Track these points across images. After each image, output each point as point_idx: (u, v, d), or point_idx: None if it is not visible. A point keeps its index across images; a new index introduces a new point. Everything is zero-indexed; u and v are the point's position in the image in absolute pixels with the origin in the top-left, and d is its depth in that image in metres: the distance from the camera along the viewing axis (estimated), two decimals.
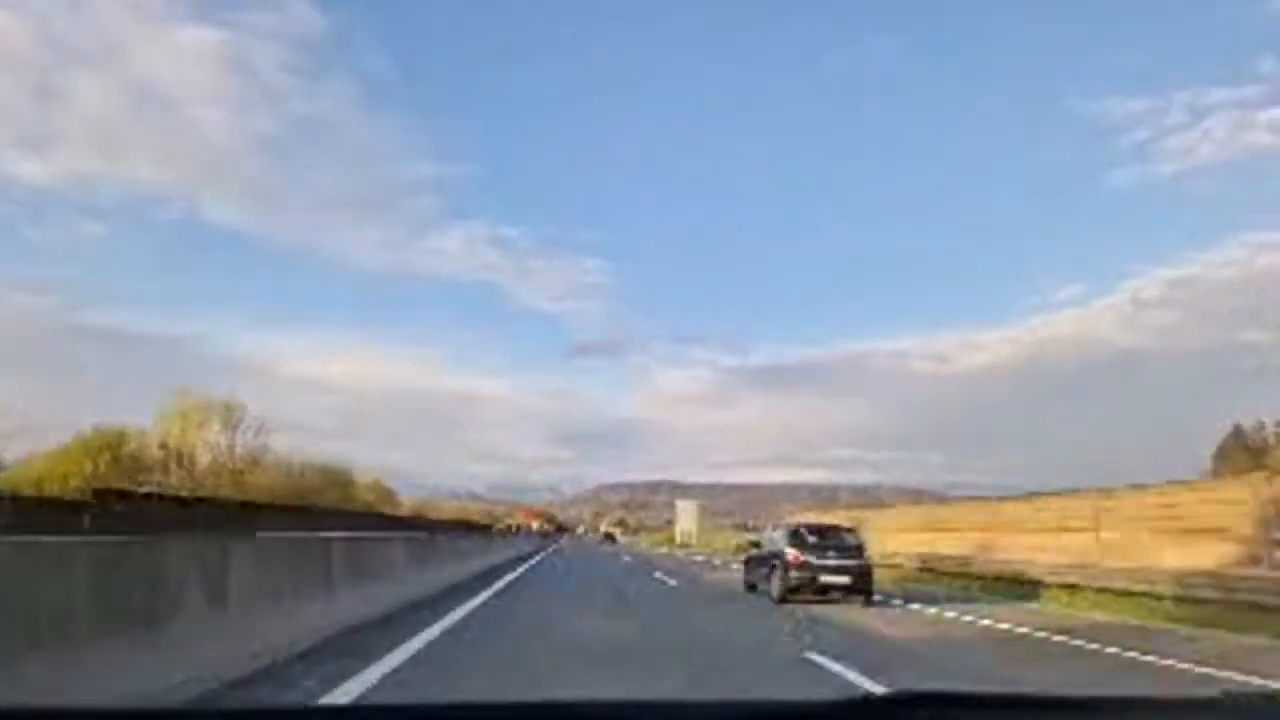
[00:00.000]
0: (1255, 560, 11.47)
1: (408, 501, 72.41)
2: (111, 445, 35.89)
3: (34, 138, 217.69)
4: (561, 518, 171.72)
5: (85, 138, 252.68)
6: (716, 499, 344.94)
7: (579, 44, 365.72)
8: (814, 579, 12.85)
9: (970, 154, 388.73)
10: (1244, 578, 11.37)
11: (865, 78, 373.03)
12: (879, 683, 5.93)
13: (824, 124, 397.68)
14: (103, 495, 5.34)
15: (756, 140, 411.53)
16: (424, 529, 15.65)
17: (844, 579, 12.97)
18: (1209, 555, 12.25)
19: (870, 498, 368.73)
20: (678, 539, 68.03)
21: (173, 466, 36.79)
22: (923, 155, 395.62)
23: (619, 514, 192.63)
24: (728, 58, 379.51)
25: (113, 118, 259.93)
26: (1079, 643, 9.20)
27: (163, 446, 37.18)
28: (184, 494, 19.81)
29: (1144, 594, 12.90)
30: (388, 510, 42.91)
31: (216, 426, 38.70)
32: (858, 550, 13.56)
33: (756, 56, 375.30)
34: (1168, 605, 12.17)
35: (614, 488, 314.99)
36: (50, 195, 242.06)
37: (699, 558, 36.39)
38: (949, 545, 20.59)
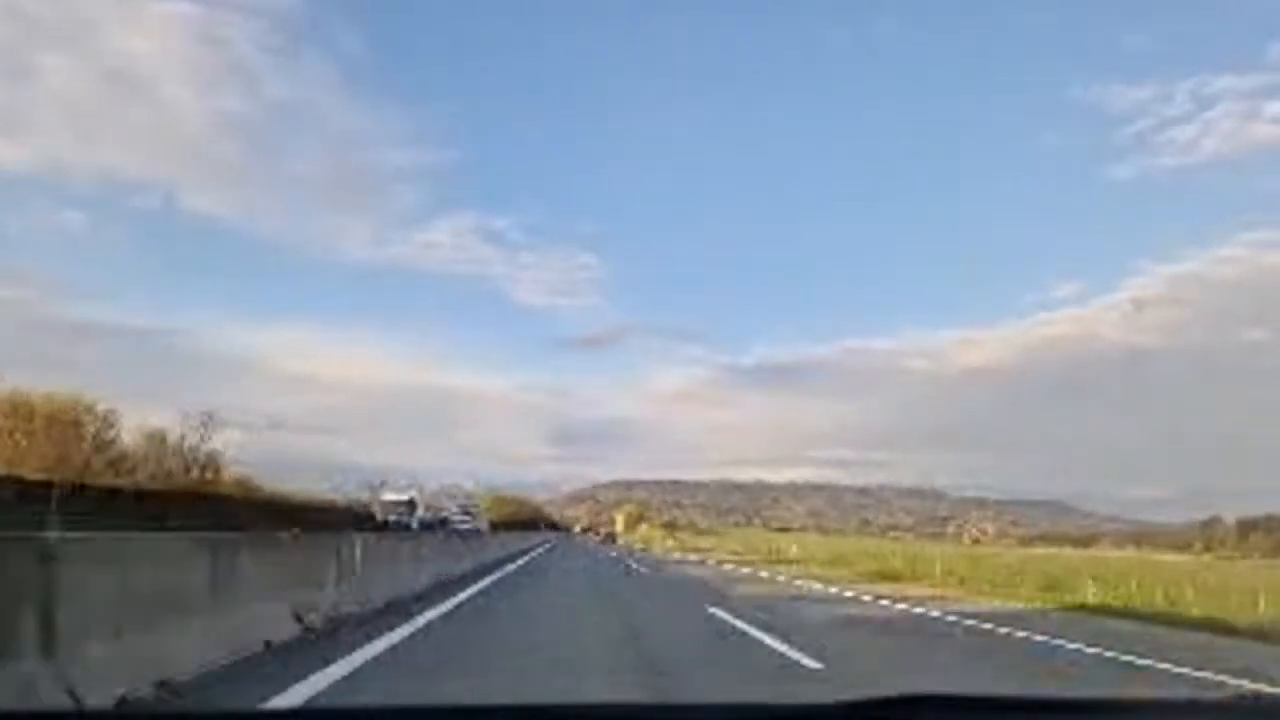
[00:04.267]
0: None
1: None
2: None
3: (3, 121, 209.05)
4: (557, 516, 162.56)
5: (57, 120, 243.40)
6: (720, 498, 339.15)
7: (568, 28, 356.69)
8: None
9: (971, 149, 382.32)
10: None
11: (865, 68, 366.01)
12: None
13: (823, 118, 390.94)
14: None
15: (752, 136, 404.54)
16: None
17: None
18: None
19: (874, 498, 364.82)
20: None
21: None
22: (921, 151, 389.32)
23: (628, 509, 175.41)
24: (726, 46, 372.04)
25: (85, 100, 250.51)
26: None
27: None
28: None
29: None
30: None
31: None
32: None
33: (755, 47, 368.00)
34: None
35: (611, 486, 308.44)
36: (22, 182, 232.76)
37: None
38: None
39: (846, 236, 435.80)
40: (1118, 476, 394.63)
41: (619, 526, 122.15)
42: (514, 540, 33.40)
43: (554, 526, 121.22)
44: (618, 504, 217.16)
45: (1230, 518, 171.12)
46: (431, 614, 8.65)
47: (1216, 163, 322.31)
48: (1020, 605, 15.26)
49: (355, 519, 32.05)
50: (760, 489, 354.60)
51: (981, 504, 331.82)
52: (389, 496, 39.45)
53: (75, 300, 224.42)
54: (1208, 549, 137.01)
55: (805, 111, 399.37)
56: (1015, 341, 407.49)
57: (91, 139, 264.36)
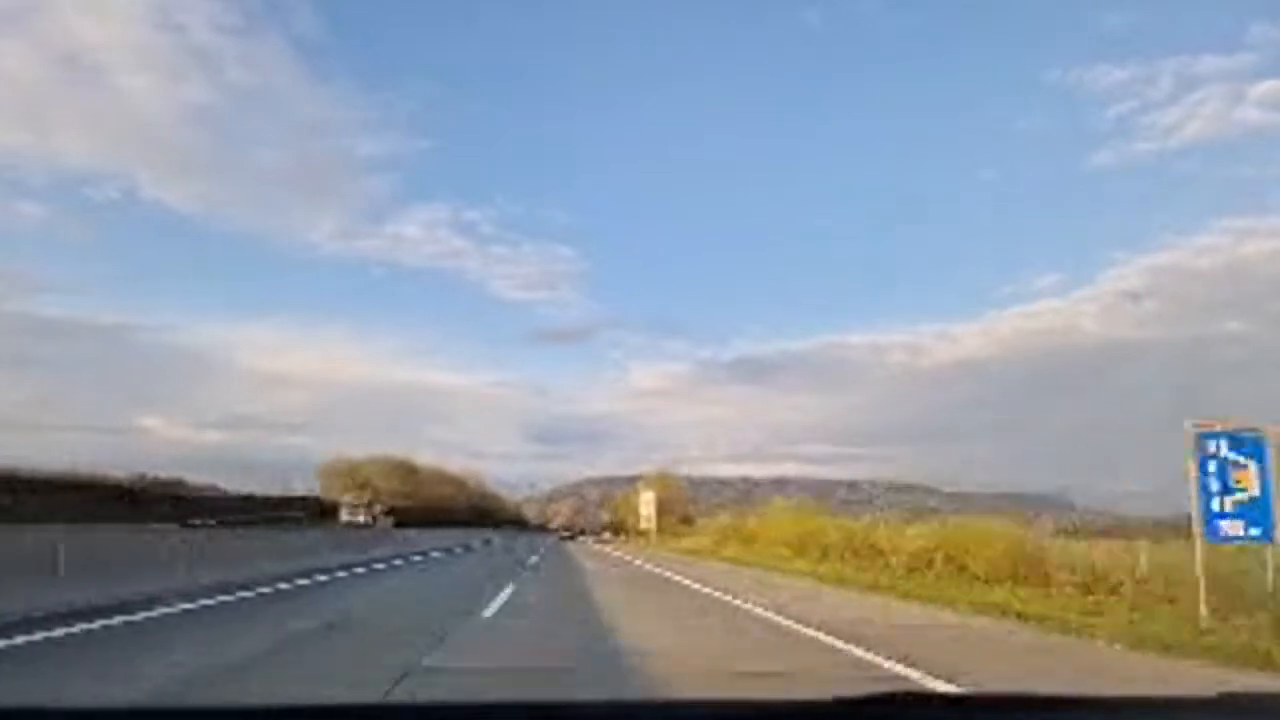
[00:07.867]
0: None
1: None
2: None
3: None
4: (534, 514, 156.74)
5: (4, 105, 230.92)
6: (706, 494, 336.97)
7: (543, 13, 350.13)
8: None
9: (949, 136, 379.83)
10: None
11: (841, 55, 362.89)
12: None
13: (799, 107, 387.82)
14: None
15: (734, 130, 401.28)
16: None
17: None
18: None
19: (862, 493, 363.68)
20: None
21: None
22: (898, 139, 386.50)
23: (656, 485, 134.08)
24: (710, 36, 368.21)
25: (34, 83, 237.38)
26: None
27: None
28: None
29: None
30: None
31: None
32: None
33: (739, 38, 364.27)
34: None
35: (595, 483, 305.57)
36: None
37: None
38: None
39: (824, 229, 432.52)
40: (1099, 470, 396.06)
41: (648, 521, 69.67)
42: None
43: (522, 524, 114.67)
44: (601, 502, 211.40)
45: None
46: None
47: (1199, 148, 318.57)
48: None
49: None
50: (746, 485, 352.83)
51: (970, 498, 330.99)
52: None
53: (37, 295, 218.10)
54: None
55: (784, 103, 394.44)
56: (995, 334, 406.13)
57: (43, 126, 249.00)
